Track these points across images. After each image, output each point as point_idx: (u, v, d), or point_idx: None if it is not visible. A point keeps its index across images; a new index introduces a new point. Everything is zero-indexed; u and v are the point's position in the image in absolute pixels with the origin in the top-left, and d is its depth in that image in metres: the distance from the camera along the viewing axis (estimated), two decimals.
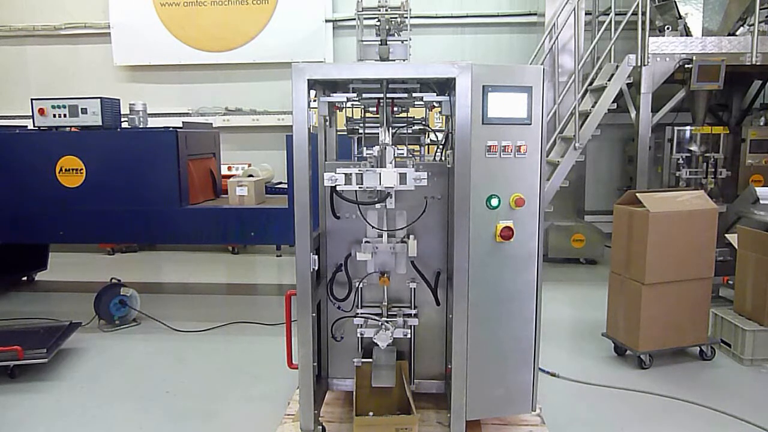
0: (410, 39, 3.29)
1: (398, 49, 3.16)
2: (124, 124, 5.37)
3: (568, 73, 6.75)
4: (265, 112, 8.31)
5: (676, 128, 6.14)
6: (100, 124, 5.08)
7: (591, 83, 6.51)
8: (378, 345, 2.87)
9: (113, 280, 4.97)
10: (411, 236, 2.92)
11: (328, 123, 3.15)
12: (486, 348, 2.75)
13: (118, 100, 5.35)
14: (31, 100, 5.19)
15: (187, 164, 5.13)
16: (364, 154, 3.19)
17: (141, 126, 5.36)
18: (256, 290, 6.31)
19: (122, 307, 4.86)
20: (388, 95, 2.81)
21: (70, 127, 5.16)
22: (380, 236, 2.97)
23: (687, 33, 6.19)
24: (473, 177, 2.59)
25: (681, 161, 6.04)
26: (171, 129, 5.08)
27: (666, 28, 6.27)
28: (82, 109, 5.07)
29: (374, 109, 3.04)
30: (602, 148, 8.12)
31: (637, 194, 3.85)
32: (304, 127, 2.54)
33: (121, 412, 3.40)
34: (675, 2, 6.22)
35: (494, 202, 2.64)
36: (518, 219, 2.68)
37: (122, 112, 5.38)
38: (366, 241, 2.93)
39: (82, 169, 5.03)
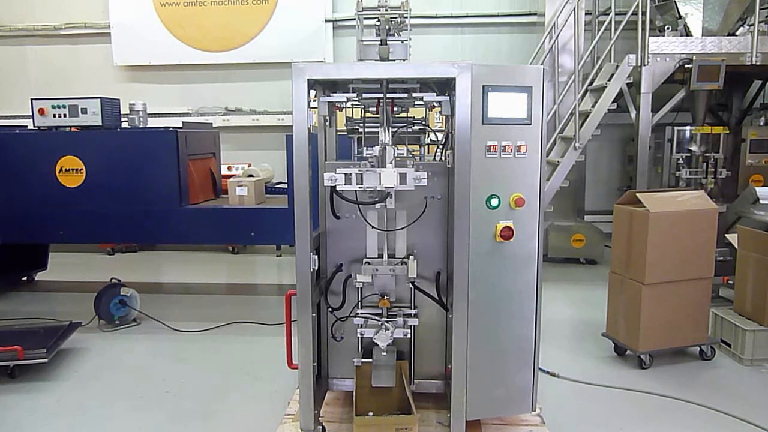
0: (410, 39, 3.29)
1: (398, 49, 3.15)
2: (124, 124, 5.37)
3: (568, 73, 6.75)
4: (265, 112, 8.31)
5: (676, 128, 6.15)
6: (100, 124, 5.08)
7: (591, 83, 6.51)
8: (378, 345, 2.87)
9: (113, 280, 4.97)
10: (411, 257, 2.91)
11: (328, 123, 3.15)
12: (486, 348, 2.75)
13: (118, 100, 5.36)
14: (31, 100, 5.19)
15: (187, 164, 5.13)
16: (364, 154, 3.19)
17: (141, 126, 5.36)
18: (256, 290, 6.31)
19: (122, 307, 4.86)
20: (388, 95, 2.81)
21: (70, 127, 5.16)
22: (380, 255, 2.98)
23: (687, 33, 6.19)
24: (473, 177, 2.59)
25: (681, 161, 6.04)
26: (171, 129, 5.08)
27: (666, 28, 6.27)
28: (82, 109, 5.08)
29: (374, 109, 3.03)
30: (602, 148, 8.13)
31: (637, 194, 3.84)
32: (304, 127, 2.54)
33: (121, 412, 3.40)
34: (675, 2, 6.22)
35: (494, 202, 2.64)
36: (518, 219, 2.68)
37: (122, 112, 5.38)
38: (366, 263, 2.92)
39: (82, 169, 5.03)
